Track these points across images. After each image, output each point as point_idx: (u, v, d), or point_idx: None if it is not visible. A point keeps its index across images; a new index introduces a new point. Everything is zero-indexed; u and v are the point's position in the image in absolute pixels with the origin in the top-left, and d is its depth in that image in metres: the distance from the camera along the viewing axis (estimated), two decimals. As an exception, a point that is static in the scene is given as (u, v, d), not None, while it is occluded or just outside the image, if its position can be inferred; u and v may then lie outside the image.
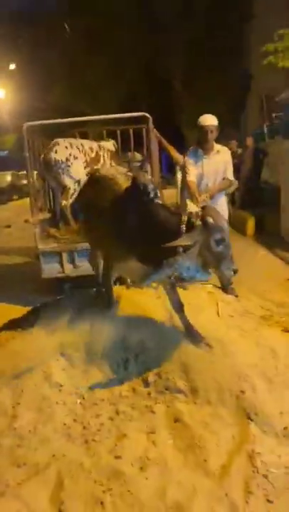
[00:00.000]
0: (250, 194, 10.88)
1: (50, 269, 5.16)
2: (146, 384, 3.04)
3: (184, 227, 2.79)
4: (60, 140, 5.39)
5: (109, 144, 5.92)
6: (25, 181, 28.34)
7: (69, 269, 5.17)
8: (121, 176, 3.34)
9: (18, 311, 4.81)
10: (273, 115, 16.81)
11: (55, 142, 5.36)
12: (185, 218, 2.81)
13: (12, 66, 27.78)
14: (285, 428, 2.66)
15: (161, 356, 3.17)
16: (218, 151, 4.52)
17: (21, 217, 16.62)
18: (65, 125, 7.01)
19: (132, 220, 3.01)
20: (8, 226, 13.67)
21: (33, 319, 3.74)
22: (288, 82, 20.99)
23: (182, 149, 8.86)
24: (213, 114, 4.50)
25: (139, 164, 6.65)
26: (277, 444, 2.53)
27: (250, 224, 9.29)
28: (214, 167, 4.46)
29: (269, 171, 13.09)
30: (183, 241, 2.73)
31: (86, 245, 5.08)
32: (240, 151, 11.87)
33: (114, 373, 3.16)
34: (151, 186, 3.00)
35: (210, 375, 2.96)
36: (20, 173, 28.61)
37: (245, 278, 4.80)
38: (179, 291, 3.51)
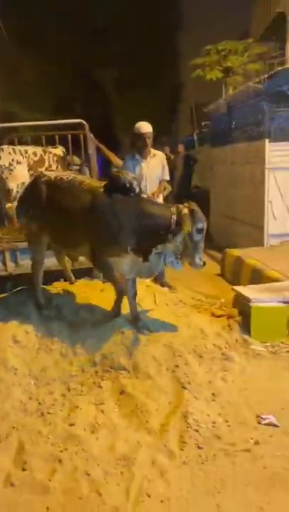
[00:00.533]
0: (182, 198, 11.54)
1: None
2: (94, 364, 3.42)
3: (174, 217, 3.35)
4: (3, 147, 5.60)
5: (58, 150, 6.18)
6: None
7: (11, 268, 5.37)
8: (82, 177, 3.87)
9: None
10: (202, 124, 17.83)
11: None
12: (174, 210, 3.38)
13: None
14: (213, 394, 3.16)
15: (105, 340, 3.57)
16: (154, 155, 5.00)
17: None
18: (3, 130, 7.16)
19: (125, 216, 3.42)
20: None
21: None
22: (215, 92, 22.31)
23: (117, 153, 9.31)
24: (146, 121, 4.96)
25: (77, 168, 7.00)
26: (206, 407, 3.02)
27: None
28: (153, 170, 4.95)
29: (198, 177, 13.94)
30: None
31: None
32: (172, 156, 12.53)
33: (64, 357, 3.50)
34: (135, 183, 3.48)
35: (148, 354, 3.41)
36: None
37: (179, 274, 5.30)
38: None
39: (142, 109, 24.44)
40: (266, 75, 6.55)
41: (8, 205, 5.34)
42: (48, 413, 2.96)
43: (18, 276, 5.51)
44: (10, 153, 5.48)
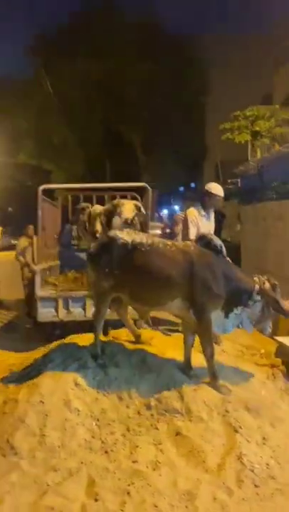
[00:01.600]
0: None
1: (46, 314, 5.75)
2: (149, 407, 3.69)
3: (257, 286, 3.86)
4: (124, 201, 6.19)
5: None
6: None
7: (63, 315, 5.78)
8: (158, 239, 4.21)
9: (14, 357, 5.41)
10: (229, 181, 18.59)
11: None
12: (257, 280, 3.89)
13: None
14: (263, 438, 3.37)
15: (159, 386, 3.85)
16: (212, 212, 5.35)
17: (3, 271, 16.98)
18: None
19: (220, 274, 3.84)
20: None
21: (48, 360, 4.32)
22: (239, 151, 23.30)
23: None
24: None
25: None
26: (258, 449, 3.23)
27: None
28: (212, 227, 5.27)
29: (226, 231, 14.42)
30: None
31: (81, 293, 5.80)
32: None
33: (121, 400, 3.78)
34: (224, 247, 3.98)
35: (200, 399, 3.66)
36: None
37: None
38: (165, 336, 4.44)
39: (167, 168, 25.69)
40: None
41: None
42: (112, 451, 3.22)
43: (63, 325, 5.92)
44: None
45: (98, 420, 3.55)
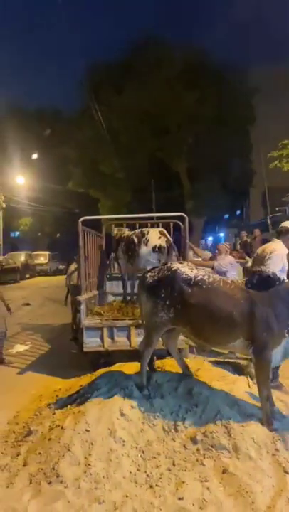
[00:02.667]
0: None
1: (92, 343, 5.79)
2: (195, 442, 3.60)
3: None
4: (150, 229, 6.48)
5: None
6: (36, 261, 29.82)
7: (108, 344, 5.81)
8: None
9: (60, 382, 5.48)
10: (277, 209, 18.37)
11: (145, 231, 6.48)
12: None
13: (34, 156, 30.16)
14: (315, 482, 3.21)
15: (206, 419, 3.77)
16: None
17: (37, 295, 17.45)
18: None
19: (282, 304, 3.75)
20: (28, 304, 14.37)
21: (94, 388, 4.35)
22: (287, 179, 22.96)
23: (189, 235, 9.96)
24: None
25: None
26: (309, 494, 3.07)
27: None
28: None
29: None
30: None
31: (126, 322, 5.82)
32: (249, 239, 12.97)
33: (166, 433, 3.73)
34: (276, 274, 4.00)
35: (248, 435, 3.54)
36: (32, 253, 30.00)
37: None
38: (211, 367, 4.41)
39: (212, 195, 25.68)
40: None
41: None
42: (157, 486, 3.16)
43: (108, 355, 5.92)
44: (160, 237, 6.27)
45: (143, 452, 3.51)
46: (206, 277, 3.98)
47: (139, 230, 6.79)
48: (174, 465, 3.38)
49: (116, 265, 7.87)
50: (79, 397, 4.37)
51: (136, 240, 6.52)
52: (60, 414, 4.11)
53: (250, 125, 27.62)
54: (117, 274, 7.91)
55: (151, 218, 7.41)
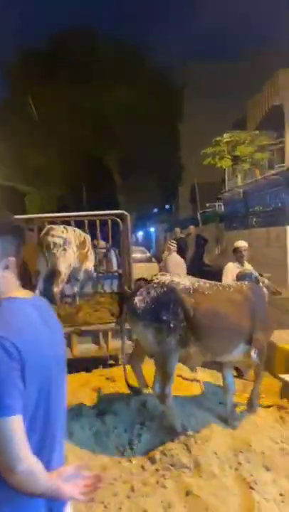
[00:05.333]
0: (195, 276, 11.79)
1: None
2: (153, 461, 3.34)
3: None
4: (54, 226, 5.75)
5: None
6: None
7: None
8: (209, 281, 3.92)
9: None
10: (207, 204, 18.65)
11: (49, 227, 5.61)
12: None
13: None
14: (281, 494, 3.07)
15: (162, 435, 3.52)
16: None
17: None
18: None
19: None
20: None
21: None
22: (215, 175, 23.53)
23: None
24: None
25: (104, 250, 7.24)
26: (277, 510, 2.92)
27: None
28: None
29: (207, 255, 14.29)
30: None
31: (65, 330, 5.40)
32: (183, 235, 12.96)
33: (121, 454, 3.43)
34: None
35: (209, 451, 3.34)
36: None
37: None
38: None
39: (143, 190, 25.68)
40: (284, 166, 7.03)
41: (55, 289, 5.34)
42: (117, 518, 2.85)
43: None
44: (63, 231, 5.49)
45: (98, 479, 3.17)
46: (201, 283, 3.71)
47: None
48: (132, 490, 3.08)
49: None
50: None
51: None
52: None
53: (180, 121, 27.88)
54: None
55: (86, 216, 6.97)
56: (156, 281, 3.61)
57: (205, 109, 27.85)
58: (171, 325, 3.41)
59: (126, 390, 4.07)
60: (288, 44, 23.04)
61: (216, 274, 11.15)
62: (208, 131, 20.48)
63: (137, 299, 3.49)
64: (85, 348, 5.43)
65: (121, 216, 5.90)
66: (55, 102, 23.42)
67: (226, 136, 13.01)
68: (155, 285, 3.56)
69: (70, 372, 4.64)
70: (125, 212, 5.79)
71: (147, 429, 3.58)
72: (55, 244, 5.36)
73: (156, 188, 27.14)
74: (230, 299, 3.74)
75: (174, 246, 7.70)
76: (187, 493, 3.05)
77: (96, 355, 5.65)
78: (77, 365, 5.21)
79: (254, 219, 8.24)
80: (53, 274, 5.48)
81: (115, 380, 4.31)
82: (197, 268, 12.31)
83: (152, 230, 36.38)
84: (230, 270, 5.90)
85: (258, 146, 13.06)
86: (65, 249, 5.38)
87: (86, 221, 7.20)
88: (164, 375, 3.53)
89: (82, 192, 26.27)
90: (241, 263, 5.97)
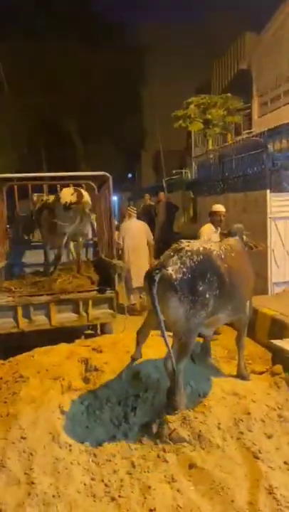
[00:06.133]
0: (164, 246, 11.57)
1: (4, 325, 4.97)
2: (151, 435, 3.15)
3: None
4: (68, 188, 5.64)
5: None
6: None
7: (24, 324, 5.04)
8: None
9: None
10: (173, 171, 18.32)
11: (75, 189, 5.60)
12: None
13: None
14: (285, 462, 2.98)
15: (159, 406, 3.33)
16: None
17: None
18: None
19: None
20: None
21: (20, 381, 3.63)
22: (177, 142, 23.15)
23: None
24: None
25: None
26: (285, 477, 2.83)
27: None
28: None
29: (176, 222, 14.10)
30: None
31: (44, 298, 5.09)
32: (153, 203, 12.64)
33: (117, 428, 3.22)
34: None
35: (211, 422, 3.19)
36: None
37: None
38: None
39: (105, 157, 25.01)
40: (266, 129, 6.82)
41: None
42: (120, 497, 2.66)
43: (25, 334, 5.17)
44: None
45: (95, 455, 2.97)
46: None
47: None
48: (133, 466, 2.90)
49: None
50: (1, 394, 3.63)
51: (53, 203, 5.75)
52: (-16, 419, 3.35)
53: (142, 84, 27.03)
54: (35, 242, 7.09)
55: (62, 178, 6.57)
56: (187, 249, 3.26)
57: (168, 72, 27.07)
58: (207, 295, 3.18)
59: (115, 361, 3.83)
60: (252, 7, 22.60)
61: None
62: (172, 95, 19.95)
63: (171, 270, 3.11)
64: (63, 317, 5.16)
65: (102, 178, 5.55)
66: (10, 60, 22.08)
67: (197, 99, 12.61)
68: (189, 253, 3.22)
69: (49, 343, 4.41)
70: (107, 174, 5.43)
71: (142, 401, 3.38)
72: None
73: (118, 155, 26.50)
74: (242, 257, 3.82)
75: (133, 211, 7.60)
76: (190, 466, 2.91)
77: (75, 324, 5.40)
78: (53, 335, 4.96)
79: (229, 184, 8.03)
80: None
81: (102, 351, 4.04)
82: (168, 236, 12.10)
83: (115, 198, 35.76)
84: (206, 232, 5.91)
85: (229, 109, 12.78)
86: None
87: (59, 186, 6.86)
88: (185, 349, 3.27)
89: (41, 158, 25.20)
90: (216, 227, 5.99)
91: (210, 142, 13.02)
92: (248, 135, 13.31)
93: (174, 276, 3.08)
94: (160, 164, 25.40)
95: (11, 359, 4.40)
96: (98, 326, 5.75)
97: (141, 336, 3.60)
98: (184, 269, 3.12)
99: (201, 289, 3.14)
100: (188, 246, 3.31)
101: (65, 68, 23.42)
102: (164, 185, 17.29)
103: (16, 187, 7.12)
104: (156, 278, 3.04)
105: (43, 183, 6.92)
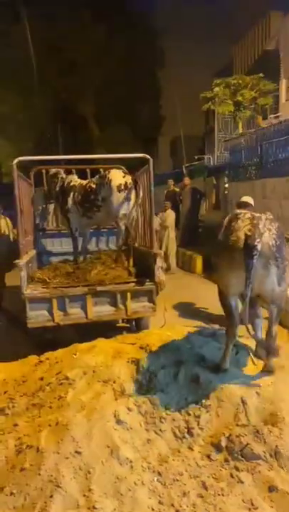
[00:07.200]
0: (190, 233, 11.17)
1: (38, 318, 4.63)
2: (219, 449, 2.78)
3: None
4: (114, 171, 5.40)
5: None
6: None
7: (59, 317, 4.69)
8: None
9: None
10: (195, 157, 17.77)
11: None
12: None
13: None
14: None
15: (226, 416, 2.95)
16: None
17: None
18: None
19: None
20: None
21: (64, 382, 3.28)
22: (195, 127, 22.48)
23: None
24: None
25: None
26: None
27: (199, 262, 9.49)
28: None
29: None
30: None
31: (80, 290, 4.73)
32: (178, 189, 12.16)
33: (180, 440, 2.85)
34: None
35: (286, 433, 2.80)
36: None
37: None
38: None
39: (121, 141, 24.48)
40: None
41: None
42: (195, 526, 2.29)
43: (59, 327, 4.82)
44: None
45: (160, 474, 2.60)
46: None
47: (97, 176, 5.60)
48: (205, 488, 2.52)
49: (52, 220, 6.65)
50: (46, 397, 3.28)
51: (95, 186, 5.35)
52: (27, 427, 3.00)
53: (159, 69, 26.32)
54: (55, 229, 6.66)
55: (103, 161, 6.22)
56: (265, 217, 3.15)
57: (187, 57, 26.30)
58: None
59: (168, 362, 3.45)
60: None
61: (215, 229, 10.64)
62: (190, 80, 19.23)
63: (266, 238, 3.02)
64: (100, 310, 4.80)
65: (144, 160, 5.13)
66: (26, 42, 21.54)
67: (229, 79, 11.98)
68: (268, 221, 3.12)
69: (84, 339, 4.05)
70: (147, 156, 5.02)
71: (205, 408, 3.00)
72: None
73: (135, 140, 25.92)
74: None
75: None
76: (270, 489, 2.52)
77: (113, 318, 5.05)
78: (89, 329, 4.63)
79: (268, 169, 7.55)
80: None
81: (152, 350, 3.65)
82: (193, 223, 11.66)
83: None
84: None
85: (261, 91, 12.16)
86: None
87: (88, 170, 6.48)
88: (280, 315, 3.39)
89: (57, 143, 24.71)
90: None
91: (240, 125, 12.42)
92: (276, 119, 12.73)
93: (270, 243, 3.03)
94: (177, 150, 24.79)
95: (47, 355, 4.07)
96: (134, 321, 5.42)
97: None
98: (274, 236, 3.07)
99: (285, 253, 3.13)
100: (260, 215, 3.18)
101: (82, 52, 22.88)
102: (184, 171, 16.77)
103: (44, 171, 6.70)
104: (259, 247, 2.93)
105: (74, 167, 6.49)
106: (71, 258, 6.14)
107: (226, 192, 12.98)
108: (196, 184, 14.85)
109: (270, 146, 7.35)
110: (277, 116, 13.46)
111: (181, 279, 8.81)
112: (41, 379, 3.58)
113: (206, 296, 6.09)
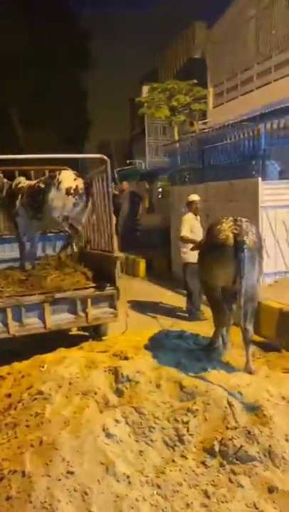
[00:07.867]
0: (129, 237, 11.13)
1: None
2: (213, 454, 2.71)
3: None
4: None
5: None
6: None
7: (15, 328, 4.39)
8: None
9: None
10: (127, 161, 17.79)
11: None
12: None
13: None
14: None
15: (214, 419, 2.89)
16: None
17: None
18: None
19: None
20: None
21: (38, 395, 3.03)
22: (120, 131, 22.55)
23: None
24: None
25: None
26: None
27: (142, 266, 9.50)
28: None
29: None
30: None
31: (37, 298, 4.47)
32: (116, 192, 12.06)
33: (171, 448, 2.74)
34: None
35: (278, 432, 2.80)
36: None
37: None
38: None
39: (47, 144, 23.91)
40: (257, 113, 6.54)
41: None
42: (206, 537, 2.20)
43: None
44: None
45: (159, 487, 2.47)
46: None
47: (47, 175, 5.33)
48: (207, 496, 2.44)
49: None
50: (19, 415, 3.01)
51: (43, 186, 5.09)
52: (3, 450, 2.72)
53: (84, 71, 26.08)
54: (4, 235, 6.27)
55: (52, 161, 5.94)
56: (243, 219, 3.39)
57: (113, 61, 26.38)
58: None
59: (147, 369, 3.34)
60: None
61: (152, 233, 10.70)
62: (116, 84, 19.37)
63: (251, 236, 3.30)
64: (59, 319, 4.57)
65: (101, 161, 4.98)
66: None
67: (164, 84, 12.11)
68: (248, 222, 3.39)
69: (46, 350, 3.82)
70: (105, 157, 4.89)
71: (192, 413, 2.92)
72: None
73: (61, 144, 25.44)
74: None
75: None
76: (270, 490, 2.50)
77: (73, 326, 4.84)
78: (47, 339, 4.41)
79: (210, 172, 7.71)
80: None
81: (127, 357, 3.51)
82: (131, 226, 11.64)
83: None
84: (188, 220, 6.41)
85: (194, 97, 12.44)
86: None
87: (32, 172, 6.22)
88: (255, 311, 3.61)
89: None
90: (196, 215, 6.49)
91: (175, 130, 12.62)
92: (204, 125, 13.11)
93: (254, 240, 3.32)
94: (106, 154, 24.69)
95: (6, 369, 3.79)
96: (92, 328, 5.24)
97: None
98: (255, 235, 3.37)
99: (262, 253, 3.53)
100: (237, 218, 3.40)
101: (8, 55, 22.04)
102: (116, 175, 16.74)
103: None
104: (247, 241, 3.20)
105: (18, 168, 6.15)
106: (16, 265, 5.82)
107: (159, 196, 13.16)
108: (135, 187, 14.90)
109: (212, 151, 7.51)
110: (205, 123, 13.86)
111: (127, 283, 8.72)
112: (8, 395, 3.29)
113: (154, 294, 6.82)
